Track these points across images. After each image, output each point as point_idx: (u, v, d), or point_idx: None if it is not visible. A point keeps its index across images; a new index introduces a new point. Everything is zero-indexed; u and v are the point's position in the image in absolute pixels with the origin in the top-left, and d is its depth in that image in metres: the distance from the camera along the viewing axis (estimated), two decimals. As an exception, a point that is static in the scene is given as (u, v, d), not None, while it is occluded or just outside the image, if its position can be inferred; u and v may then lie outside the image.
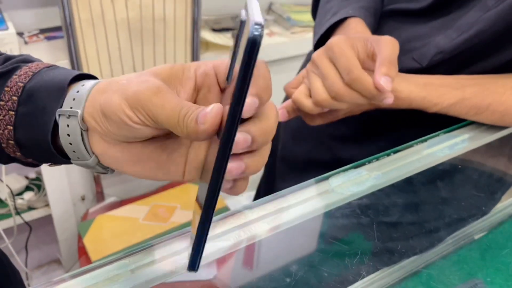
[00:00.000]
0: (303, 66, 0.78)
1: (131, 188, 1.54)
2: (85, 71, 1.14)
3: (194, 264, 0.27)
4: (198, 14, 1.20)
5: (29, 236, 1.35)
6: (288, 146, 0.78)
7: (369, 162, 0.52)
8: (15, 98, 0.33)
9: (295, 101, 0.54)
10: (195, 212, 0.27)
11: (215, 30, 1.45)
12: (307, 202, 0.46)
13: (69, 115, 0.31)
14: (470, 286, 0.47)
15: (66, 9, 1.03)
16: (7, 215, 1.28)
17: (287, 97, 0.65)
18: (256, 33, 0.22)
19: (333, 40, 0.50)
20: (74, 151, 0.32)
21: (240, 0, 1.58)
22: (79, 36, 1.09)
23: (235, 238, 0.41)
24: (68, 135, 0.32)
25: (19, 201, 1.31)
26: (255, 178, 1.02)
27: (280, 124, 0.84)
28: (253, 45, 0.22)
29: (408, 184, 0.52)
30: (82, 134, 0.32)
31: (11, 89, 0.33)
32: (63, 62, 1.12)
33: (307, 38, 1.51)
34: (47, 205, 1.35)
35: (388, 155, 0.54)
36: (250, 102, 0.26)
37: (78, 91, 0.32)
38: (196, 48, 1.27)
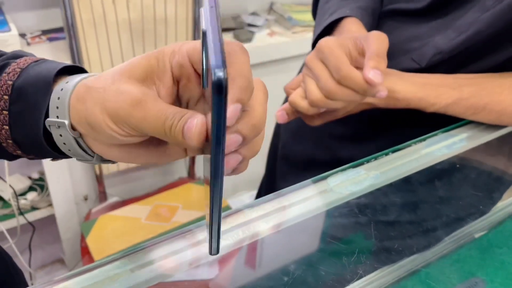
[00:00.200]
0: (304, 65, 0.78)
1: (133, 188, 1.55)
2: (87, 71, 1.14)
3: (212, 248, 0.28)
4: (199, 14, 1.20)
5: (33, 236, 1.35)
6: (288, 146, 0.79)
7: (368, 161, 0.53)
8: (6, 97, 0.32)
9: (291, 103, 0.55)
10: (206, 193, 0.27)
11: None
12: (306, 202, 0.46)
13: (59, 126, 0.31)
14: (470, 285, 0.47)
15: (68, 10, 1.03)
16: (11, 215, 1.29)
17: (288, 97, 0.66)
18: (220, 77, 0.22)
19: (322, 42, 0.51)
20: (74, 155, 0.33)
21: (241, 0, 1.58)
22: (81, 37, 1.09)
23: (234, 237, 0.42)
24: (64, 143, 0.32)
25: (22, 201, 1.31)
26: (257, 178, 1.03)
27: (280, 124, 0.84)
28: (220, 89, 0.22)
29: (406, 184, 0.52)
30: (77, 141, 0.32)
31: (1, 88, 0.33)
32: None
33: (308, 38, 1.51)
34: (50, 205, 1.36)
35: (387, 154, 0.54)
36: (232, 110, 0.25)
37: (62, 89, 0.31)
38: (197, 49, 1.27)
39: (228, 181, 1.79)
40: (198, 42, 0.29)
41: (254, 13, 1.59)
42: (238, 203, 1.71)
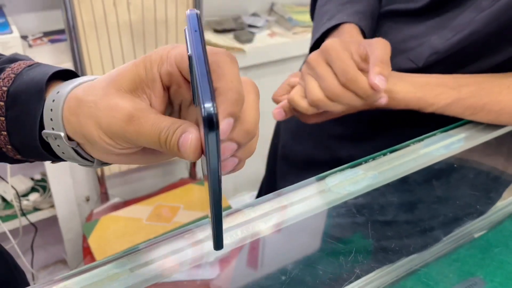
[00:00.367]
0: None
1: (134, 188, 1.55)
2: (88, 73, 1.15)
3: (215, 243, 0.29)
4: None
5: (35, 237, 1.36)
6: (288, 146, 0.79)
7: (366, 161, 0.53)
8: (1, 103, 0.32)
9: (291, 102, 0.55)
10: (207, 191, 0.28)
11: (216, 31, 1.46)
12: (304, 202, 0.47)
13: (55, 137, 0.31)
14: (469, 284, 0.47)
15: (69, 12, 1.04)
16: (13, 216, 1.29)
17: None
18: (210, 113, 0.22)
19: (328, 43, 0.51)
20: (74, 161, 0.33)
21: (241, 1, 1.58)
22: (82, 38, 1.10)
23: (233, 237, 0.42)
24: (63, 153, 0.32)
25: (24, 202, 1.32)
26: (258, 178, 1.03)
27: (280, 124, 0.85)
28: (211, 125, 0.22)
29: (405, 184, 0.52)
30: (75, 149, 0.32)
31: None
32: (67, 65, 1.13)
33: (309, 39, 1.51)
34: (52, 206, 1.36)
35: (385, 154, 0.54)
36: (225, 124, 0.25)
37: (53, 100, 0.31)
38: (198, 50, 1.27)
39: (229, 182, 1.79)
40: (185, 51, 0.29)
41: (254, 14, 1.60)
42: (239, 203, 1.71)
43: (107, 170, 1.39)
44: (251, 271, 0.46)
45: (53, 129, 0.31)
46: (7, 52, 1.12)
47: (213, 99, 0.22)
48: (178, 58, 0.29)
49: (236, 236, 0.42)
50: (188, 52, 0.26)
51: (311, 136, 0.74)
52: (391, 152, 0.55)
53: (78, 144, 0.32)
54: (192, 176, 1.59)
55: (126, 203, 1.42)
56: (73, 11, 1.04)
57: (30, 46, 1.20)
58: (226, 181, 1.68)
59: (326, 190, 0.49)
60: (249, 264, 0.45)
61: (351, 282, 0.43)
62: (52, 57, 1.17)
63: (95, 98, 0.29)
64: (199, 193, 1.46)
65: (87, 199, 1.44)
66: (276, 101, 0.58)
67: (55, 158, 0.35)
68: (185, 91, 0.30)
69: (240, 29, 1.48)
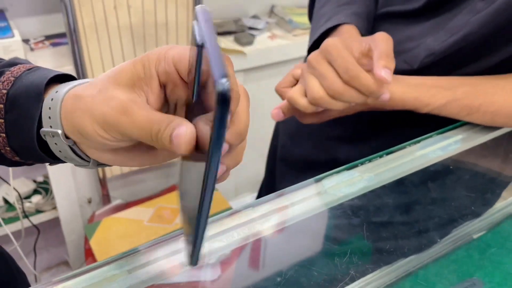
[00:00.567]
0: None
1: (136, 190, 1.56)
2: (89, 76, 1.16)
3: (194, 257, 0.28)
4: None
5: (37, 239, 1.36)
6: (287, 147, 0.79)
7: (362, 163, 0.53)
8: (1, 106, 0.33)
9: (289, 100, 0.54)
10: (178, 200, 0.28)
11: (217, 33, 1.47)
12: (300, 204, 0.47)
13: (53, 135, 0.32)
14: (467, 285, 0.48)
15: (70, 15, 1.04)
16: (15, 218, 1.30)
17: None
18: (225, 88, 0.22)
19: (329, 42, 0.50)
20: (70, 161, 0.34)
21: (242, 3, 1.59)
22: (83, 42, 1.11)
23: (229, 239, 0.42)
24: (60, 151, 0.33)
25: (27, 204, 1.33)
26: (259, 180, 1.03)
27: (279, 126, 0.85)
28: (224, 101, 0.22)
29: (401, 185, 0.53)
30: (72, 148, 0.32)
31: None
32: (68, 68, 1.14)
33: (309, 40, 1.51)
34: (55, 208, 1.37)
35: (381, 156, 0.55)
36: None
37: (52, 99, 0.32)
38: (199, 52, 1.28)
39: (230, 183, 1.79)
40: (184, 48, 0.30)
41: (255, 16, 1.60)
42: (240, 204, 1.71)
43: (109, 172, 1.40)
44: (249, 271, 0.46)
45: (51, 127, 0.32)
46: (9, 56, 1.12)
47: (227, 76, 0.22)
48: (176, 57, 0.29)
49: (233, 237, 0.43)
50: (196, 41, 0.26)
51: (310, 137, 0.74)
52: (388, 154, 0.55)
53: (74, 143, 0.32)
54: (193, 177, 1.59)
55: (127, 205, 1.42)
56: (74, 14, 1.05)
57: (31, 49, 1.21)
58: (228, 182, 1.68)
59: (323, 192, 0.49)
60: (245, 265, 0.46)
61: (350, 283, 0.44)
62: (53, 60, 1.17)
63: (93, 93, 0.30)
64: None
65: (89, 201, 1.45)
66: (279, 92, 0.58)
67: (53, 160, 0.35)
68: (181, 90, 0.31)
69: (240, 32, 1.48)
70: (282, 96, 0.58)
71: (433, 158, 0.55)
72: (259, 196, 0.99)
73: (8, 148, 0.34)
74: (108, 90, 0.29)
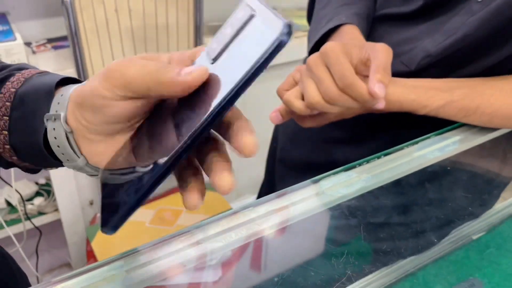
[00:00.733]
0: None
1: (138, 192, 1.56)
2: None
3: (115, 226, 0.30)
4: (200, 21, 1.21)
5: (39, 241, 1.37)
6: (286, 149, 0.80)
7: (360, 164, 0.53)
8: (8, 104, 0.34)
9: (286, 102, 0.55)
10: None
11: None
12: (298, 205, 0.47)
13: (54, 119, 0.32)
14: (467, 285, 0.48)
15: (71, 18, 1.05)
16: (18, 220, 1.30)
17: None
18: (285, 36, 0.24)
19: (328, 46, 0.50)
20: (63, 154, 0.34)
21: (242, 6, 1.59)
22: (85, 45, 1.11)
23: (227, 239, 0.43)
24: (55, 138, 0.33)
25: (29, 206, 1.33)
26: (259, 181, 1.03)
27: (278, 128, 0.85)
28: (278, 47, 0.25)
29: (398, 186, 0.53)
30: (67, 136, 0.33)
31: (5, 95, 0.34)
32: (70, 71, 1.14)
33: (310, 42, 1.51)
34: (57, 210, 1.37)
35: (379, 157, 0.55)
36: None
37: (62, 95, 0.33)
38: (199, 55, 1.28)
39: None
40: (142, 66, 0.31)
41: (255, 19, 1.60)
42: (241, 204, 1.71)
43: (110, 174, 1.40)
44: (248, 275, 0.46)
45: (56, 111, 0.33)
46: (11, 59, 1.13)
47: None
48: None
49: (231, 238, 0.43)
50: (252, 11, 0.28)
51: (309, 139, 0.75)
52: (385, 155, 0.55)
53: (71, 132, 0.33)
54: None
55: (129, 207, 1.43)
56: (76, 18, 1.05)
57: (33, 52, 1.22)
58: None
59: (320, 193, 0.49)
60: (242, 267, 0.46)
61: (349, 284, 0.44)
62: (55, 63, 1.18)
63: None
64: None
65: (91, 203, 1.45)
66: (280, 95, 0.58)
67: (49, 156, 0.35)
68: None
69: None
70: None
71: (431, 159, 0.55)
72: (258, 198, 1.00)
73: (7, 147, 0.35)
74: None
